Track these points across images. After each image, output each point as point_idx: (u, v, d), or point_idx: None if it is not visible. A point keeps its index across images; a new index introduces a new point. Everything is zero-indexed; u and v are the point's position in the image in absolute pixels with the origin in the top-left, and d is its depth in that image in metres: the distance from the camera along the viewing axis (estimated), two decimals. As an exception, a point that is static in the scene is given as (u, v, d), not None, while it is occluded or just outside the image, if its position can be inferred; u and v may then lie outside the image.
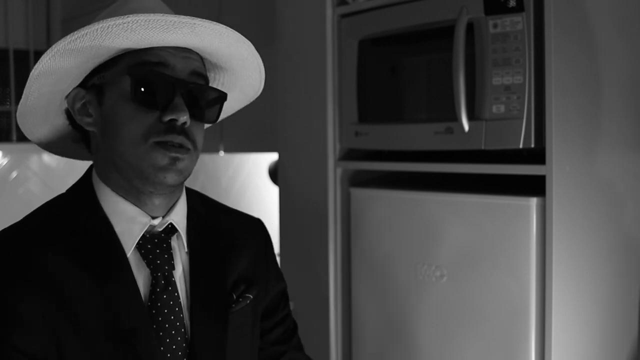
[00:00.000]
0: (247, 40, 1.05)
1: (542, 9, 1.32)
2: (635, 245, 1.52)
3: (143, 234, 1.04)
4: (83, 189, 1.07)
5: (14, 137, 3.51)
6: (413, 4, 1.55)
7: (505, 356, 1.39)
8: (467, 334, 1.46)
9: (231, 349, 1.10)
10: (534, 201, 1.35)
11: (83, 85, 1.05)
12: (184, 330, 1.04)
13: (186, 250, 1.09)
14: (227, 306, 1.11)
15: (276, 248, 1.95)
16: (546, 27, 1.32)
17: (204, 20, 0.98)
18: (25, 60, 3.52)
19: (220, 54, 1.06)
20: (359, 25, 1.68)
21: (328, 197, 1.76)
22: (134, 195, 1.03)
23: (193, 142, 1.02)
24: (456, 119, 1.43)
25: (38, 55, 3.54)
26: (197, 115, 1.03)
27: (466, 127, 1.42)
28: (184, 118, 0.98)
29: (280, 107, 1.90)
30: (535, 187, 1.37)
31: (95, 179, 1.06)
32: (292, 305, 1.88)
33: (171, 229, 1.07)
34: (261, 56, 1.11)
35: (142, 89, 0.98)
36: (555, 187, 1.32)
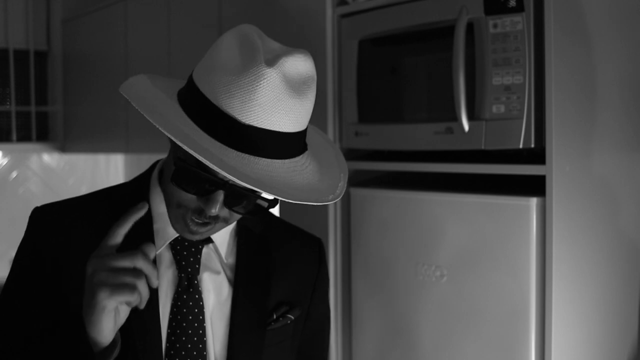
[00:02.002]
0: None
1: (542, 9, 1.32)
2: (635, 245, 1.52)
3: (178, 236, 1.09)
4: (141, 183, 1.14)
5: (14, 137, 3.51)
6: (413, 4, 1.55)
7: (505, 356, 1.39)
8: (467, 333, 1.46)
9: None
10: (534, 201, 1.35)
11: None
12: (202, 332, 1.07)
13: (224, 261, 1.12)
14: (266, 323, 1.13)
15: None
16: (546, 27, 1.32)
17: (289, 187, 0.97)
18: (26, 60, 3.52)
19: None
20: (359, 25, 1.68)
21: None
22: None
23: (224, 219, 1.03)
24: (456, 119, 1.43)
25: (38, 55, 3.55)
26: (237, 209, 1.02)
27: (466, 127, 1.42)
28: (213, 212, 0.98)
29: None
30: (535, 187, 1.37)
31: (154, 179, 1.13)
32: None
33: (207, 239, 1.11)
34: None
35: (185, 179, 0.99)
36: (555, 187, 1.32)
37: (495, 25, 1.38)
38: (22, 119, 3.55)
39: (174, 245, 1.10)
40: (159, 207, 1.10)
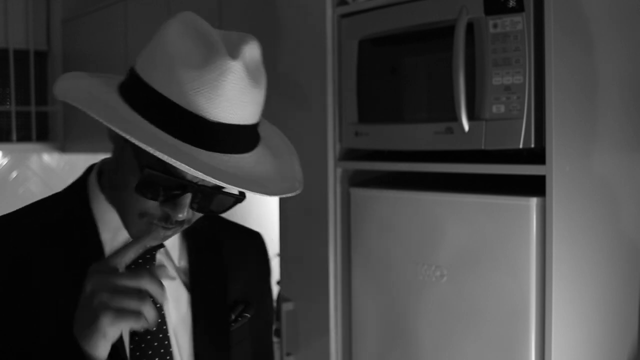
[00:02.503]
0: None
1: (542, 9, 1.32)
2: (636, 245, 1.52)
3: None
4: (78, 192, 1.06)
5: (14, 137, 3.51)
6: (413, 4, 1.55)
7: (505, 356, 1.39)
8: (467, 334, 1.46)
9: None
10: (534, 201, 1.34)
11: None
12: (167, 342, 1.03)
13: (177, 265, 1.08)
14: (229, 324, 1.11)
15: (276, 248, 1.95)
16: (546, 27, 1.32)
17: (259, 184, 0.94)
18: (26, 60, 3.52)
19: None
20: (359, 25, 1.68)
21: (328, 197, 1.76)
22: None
23: (188, 221, 0.99)
24: (456, 119, 1.43)
25: (38, 55, 3.55)
26: (205, 210, 0.98)
27: (466, 127, 1.42)
28: (181, 216, 0.94)
29: (280, 107, 1.90)
30: (535, 187, 1.37)
31: (93, 183, 1.06)
32: (292, 305, 1.88)
33: (159, 244, 1.05)
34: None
35: (150, 184, 0.93)
36: (555, 187, 1.32)
37: (495, 25, 1.38)
38: (22, 119, 3.55)
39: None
40: (105, 215, 1.03)
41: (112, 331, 0.84)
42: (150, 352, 1.01)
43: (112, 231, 1.03)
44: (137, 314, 0.84)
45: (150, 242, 0.91)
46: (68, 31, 3.45)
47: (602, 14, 1.43)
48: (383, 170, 1.75)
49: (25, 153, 3.52)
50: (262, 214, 2.90)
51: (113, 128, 0.87)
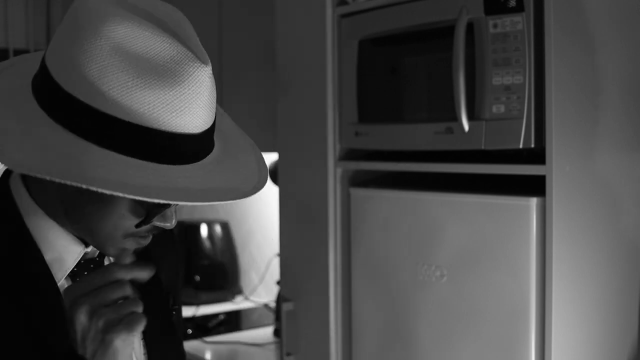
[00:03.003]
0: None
1: (542, 9, 1.32)
2: (636, 245, 1.52)
3: (78, 262, 0.92)
4: (3, 204, 0.90)
5: (14, 137, 3.51)
6: (413, 4, 1.55)
7: (505, 356, 1.39)
8: (467, 334, 1.46)
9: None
10: (534, 201, 1.34)
11: None
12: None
13: None
14: (170, 311, 1.08)
15: (276, 248, 1.95)
16: (546, 27, 1.32)
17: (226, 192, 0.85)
18: (25, 60, 3.52)
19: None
20: (359, 25, 1.68)
21: (328, 197, 1.76)
22: (73, 226, 0.90)
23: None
24: (456, 119, 1.43)
25: (38, 55, 3.55)
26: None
27: (466, 127, 1.42)
28: (171, 225, 0.87)
29: (280, 107, 1.90)
30: (535, 187, 1.37)
31: (19, 189, 0.89)
32: (292, 305, 1.88)
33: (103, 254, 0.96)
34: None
35: (148, 218, 0.85)
36: (555, 187, 1.32)
37: (495, 25, 1.38)
38: (22, 119, 3.55)
39: (77, 274, 0.92)
40: (45, 232, 0.88)
41: (132, 340, 0.81)
42: None
43: (57, 251, 0.89)
44: (140, 315, 0.81)
45: (141, 275, 0.86)
46: (68, 31, 3.45)
47: (602, 14, 1.43)
48: (383, 170, 1.75)
49: (25, 153, 3.52)
50: (262, 214, 2.90)
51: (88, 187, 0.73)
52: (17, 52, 3.51)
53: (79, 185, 0.72)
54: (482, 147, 1.41)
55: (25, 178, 0.90)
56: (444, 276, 1.50)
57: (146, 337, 1.01)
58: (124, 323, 0.80)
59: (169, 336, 1.06)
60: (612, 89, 1.45)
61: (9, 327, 0.86)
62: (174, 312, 1.09)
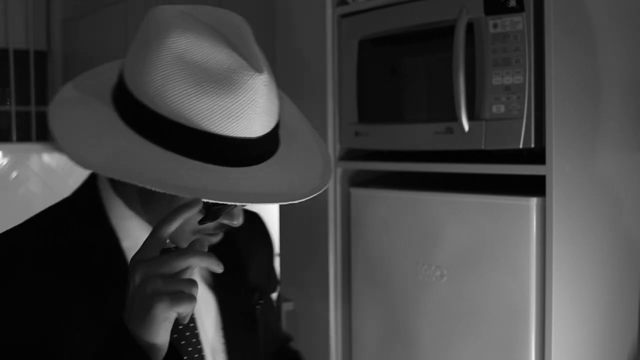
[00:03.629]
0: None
1: (542, 9, 1.32)
2: (635, 245, 1.52)
3: None
4: (88, 195, 1.00)
5: (14, 137, 3.51)
6: (413, 4, 1.55)
7: (505, 356, 1.39)
8: (467, 333, 1.46)
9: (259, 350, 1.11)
10: (534, 201, 1.34)
11: None
12: (200, 347, 1.01)
13: None
14: (253, 305, 1.11)
15: (276, 248, 1.95)
16: (546, 27, 1.32)
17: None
18: (26, 60, 3.52)
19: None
20: (359, 25, 1.68)
21: (328, 197, 1.76)
22: (147, 212, 0.97)
23: None
24: (456, 119, 1.43)
25: (38, 55, 3.55)
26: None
27: (466, 127, 1.42)
28: (238, 223, 0.93)
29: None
30: (535, 187, 1.37)
31: (105, 186, 0.99)
32: (292, 305, 1.88)
33: None
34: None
35: (214, 213, 0.90)
36: (555, 187, 1.32)
37: (495, 25, 1.38)
38: (22, 119, 3.56)
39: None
40: (124, 221, 0.97)
41: (171, 315, 0.79)
42: (185, 358, 0.99)
43: (134, 239, 0.97)
44: (191, 296, 0.80)
45: (189, 212, 0.83)
46: (68, 31, 3.45)
47: (602, 14, 1.43)
48: (383, 170, 1.75)
49: (25, 153, 3.52)
50: (262, 213, 2.90)
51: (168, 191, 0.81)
52: (17, 52, 3.51)
53: (158, 190, 0.80)
54: (482, 147, 1.41)
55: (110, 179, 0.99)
56: (444, 276, 1.50)
57: (225, 330, 1.04)
58: (170, 296, 0.78)
59: (248, 332, 1.08)
60: (612, 89, 1.45)
61: (79, 313, 0.91)
62: (257, 307, 1.11)
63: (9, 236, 0.98)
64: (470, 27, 1.41)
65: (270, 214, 2.74)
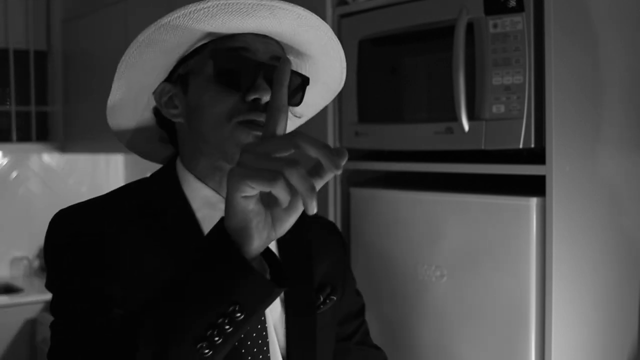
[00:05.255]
0: (327, 25, 1.06)
1: (542, 9, 1.32)
2: (635, 245, 1.52)
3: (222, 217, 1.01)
4: (166, 174, 1.07)
5: (14, 137, 3.51)
6: (413, 4, 1.55)
7: (505, 356, 1.39)
8: (467, 333, 1.46)
9: (319, 348, 1.10)
10: (534, 201, 1.35)
11: (169, 79, 1.05)
12: (263, 318, 1.02)
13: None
14: (316, 306, 1.11)
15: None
16: (546, 27, 1.32)
17: (283, 2, 0.97)
18: (26, 60, 3.53)
19: (300, 39, 1.05)
20: (359, 25, 1.68)
21: (328, 197, 1.76)
22: (217, 181, 1.03)
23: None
24: (456, 119, 1.43)
25: (38, 55, 3.55)
26: None
27: (466, 127, 1.42)
28: (266, 97, 0.96)
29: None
30: (535, 187, 1.37)
31: (180, 167, 1.06)
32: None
33: None
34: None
35: (225, 71, 0.97)
36: (555, 187, 1.32)
37: (495, 25, 1.38)
38: (22, 119, 3.56)
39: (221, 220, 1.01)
40: (197, 191, 1.03)
41: (245, 189, 0.73)
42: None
43: (208, 208, 1.03)
44: (273, 174, 0.72)
45: (288, 70, 0.81)
46: (68, 31, 3.45)
47: (602, 14, 1.43)
48: (383, 170, 1.75)
49: (25, 153, 3.52)
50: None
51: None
52: (17, 52, 3.51)
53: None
54: (482, 147, 1.41)
55: (181, 158, 1.07)
56: (444, 276, 1.50)
57: (288, 330, 1.05)
58: (247, 169, 0.73)
59: (309, 332, 1.08)
60: (612, 89, 1.45)
61: (161, 272, 0.93)
62: (327, 301, 1.12)
63: (99, 203, 1.04)
64: (470, 27, 1.41)
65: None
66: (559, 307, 1.33)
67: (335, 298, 1.14)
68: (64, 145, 3.51)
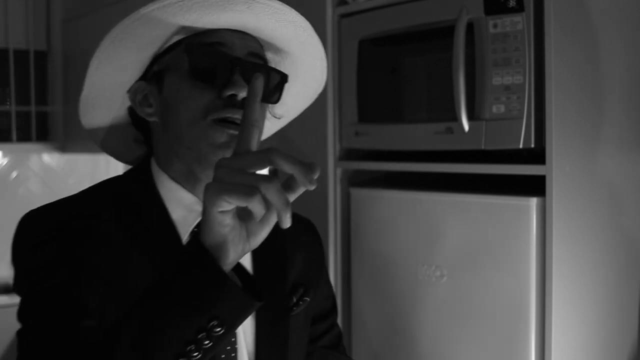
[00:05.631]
0: (306, 21, 1.03)
1: (542, 9, 1.32)
2: (636, 245, 1.52)
3: (198, 223, 1.00)
4: (141, 174, 1.05)
5: (14, 137, 3.51)
6: (413, 4, 1.55)
7: (505, 356, 1.39)
8: (467, 334, 1.46)
9: (290, 352, 1.09)
10: (534, 201, 1.35)
11: (144, 77, 1.04)
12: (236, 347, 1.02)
13: None
14: (289, 308, 1.09)
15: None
16: (546, 27, 1.32)
17: None
18: (26, 60, 3.52)
19: (278, 35, 1.03)
20: (359, 25, 1.68)
21: (328, 197, 1.76)
22: (192, 183, 1.02)
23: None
24: (456, 119, 1.43)
25: (38, 55, 3.55)
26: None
27: (466, 127, 1.42)
28: (243, 93, 0.94)
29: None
30: (535, 187, 1.37)
31: (155, 167, 1.04)
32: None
33: None
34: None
35: (200, 66, 0.95)
36: (555, 187, 1.32)
37: (495, 25, 1.38)
38: (22, 119, 3.55)
39: (196, 235, 1.01)
40: (172, 192, 1.01)
41: (221, 204, 0.74)
42: None
43: (183, 209, 1.01)
44: (250, 189, 0.73)
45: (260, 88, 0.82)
46: (68, 31, 3.45)
47: (602, 14, 1.43)
48: (383, 170, 1.75)
49: (25, 153, 3.52)
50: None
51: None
52: (17, 52, 3.51)
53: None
54: (482, 147, 1.41)
55: (155, 158, 1.05)
56: (444, 276, 1.50)
57: (258, 336, 1.03)
58: (224, 184, 0.74)
59: (281, 338, 1.07)
60: (612, 89, 1.45)
61: (136, 272, 0.94)
62: (300, 303, 1.10)
63: (72, 202, 1.02)
64: (470, 27, 1.41)
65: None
66: (559, 307, 1.33)
67: (308, 299, 1.12)
68: (64, 145, 3.50)
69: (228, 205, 0.75)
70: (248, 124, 0.79)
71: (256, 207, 0.74)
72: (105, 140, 1.16)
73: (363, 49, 1.67)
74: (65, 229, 0.96)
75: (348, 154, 1.78)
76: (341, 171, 1.77)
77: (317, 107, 1.80)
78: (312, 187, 0.77)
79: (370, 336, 1.68)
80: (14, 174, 3.52)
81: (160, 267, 0.95)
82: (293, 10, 1.00)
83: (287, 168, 0.76)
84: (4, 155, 3.51)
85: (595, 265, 1.42)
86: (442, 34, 1.48)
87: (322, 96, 1.77)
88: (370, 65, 1.67)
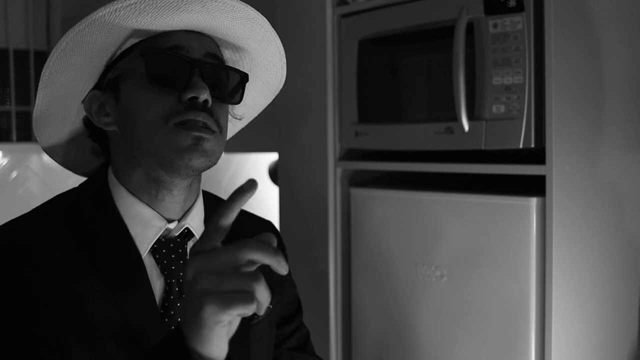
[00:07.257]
0: (263, 17, 1.00)
1: (542, 9, 1.32)
2: (636, 245, 1.52)
3: (158, 238, 0.98)
4: (97, 186, 1.01)
5: (14, 137, 3.51)
6: (413, 4, 1.55)
7: (505, 356, 1.39)
8: (467, 334, 1.46)
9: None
10: (534, 201, 1.35)
11: (98, 86, 1.01)
12: None
13: None
14: (249, 318, 1.08)
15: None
16: (546, 27, 1.32)
17: None
18: (26, 60, 3.52)
19: (235, 33, 1.01)
20: (359, 25, 1.68)
21: (328, 197, 1.76)
22: (153, 195, 0.98)
23: (217, 123, 0.96)
24: (456, 119, 1.43)
25: (38, 55, 3.54)
26: (218, 96, 0.97)
27: (466, 127, 1.42)
28: (204, 95, 0.92)
29: (280, 107, 1.90)
30: (535, 187, 1.37)
31: (112, 178, 1.01)
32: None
33: (187, 234, 1.01)
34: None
35: (158, 71, 0.93)
36: (555, 187, 1.32)
37: (495, 25, 1.38)
38: (22, 119, 3.55)
39: (157, 250, 0.98)
40: (130, 207, 0.98)
41: (223, 319, 0.71)
42: None
43: (141, 225, 0.97)
44: (247, 295, 0.70)
45: (247, 196, 0.76)
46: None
47: (602, 14, 1.43)
48: (383, 170, 1.75)
49: (25, 153, 3.52)
50: (262, 214, 2.90)
51: None
52: (17, 52, 3.51)
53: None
54: (482, 147, 1.41)
55: (113, 169, 1.01)
56: (444, 276, 1.50)
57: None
58: (219, 297, 0.70)
59: (240, 342, 1.02)
60: (612, 89, 1.45)
61: (91, 293, 0.92)
62: (255, 316, 1.04)
63: (21, 223, 0.98)
64: (470, 27, 1.41)
65: (270, 214, 2.74)
66: (559, 307, 1.33)
67: (271, 306, 1.07)
68: (64, 145, 3.50)
69: (230, 317, 0.72)
70: (220, 226, 0.75)
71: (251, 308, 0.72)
72: (65, 156, 1.11)
73: (363, 49, 1.67)
74: (18, 252, 0.91)
75: (348, 154, 1.78)
76: (341, 171, 1.77)
77: (317, 107, 1.80)
78: (285, 273, 0.74)
79: (370, 336, 1.68)
80: (14, 174, 3.53)
81: (116, 285, 0.92)
82: (249, 6, 0.97)
83: (266, 260, 0.72)
84: (4, 155, 3.51)
85: (595, 265, 1.42)
86: (442, 34, 1.48)
87: (322, 96, 1.77)
88: (370, 65, 1.67)
